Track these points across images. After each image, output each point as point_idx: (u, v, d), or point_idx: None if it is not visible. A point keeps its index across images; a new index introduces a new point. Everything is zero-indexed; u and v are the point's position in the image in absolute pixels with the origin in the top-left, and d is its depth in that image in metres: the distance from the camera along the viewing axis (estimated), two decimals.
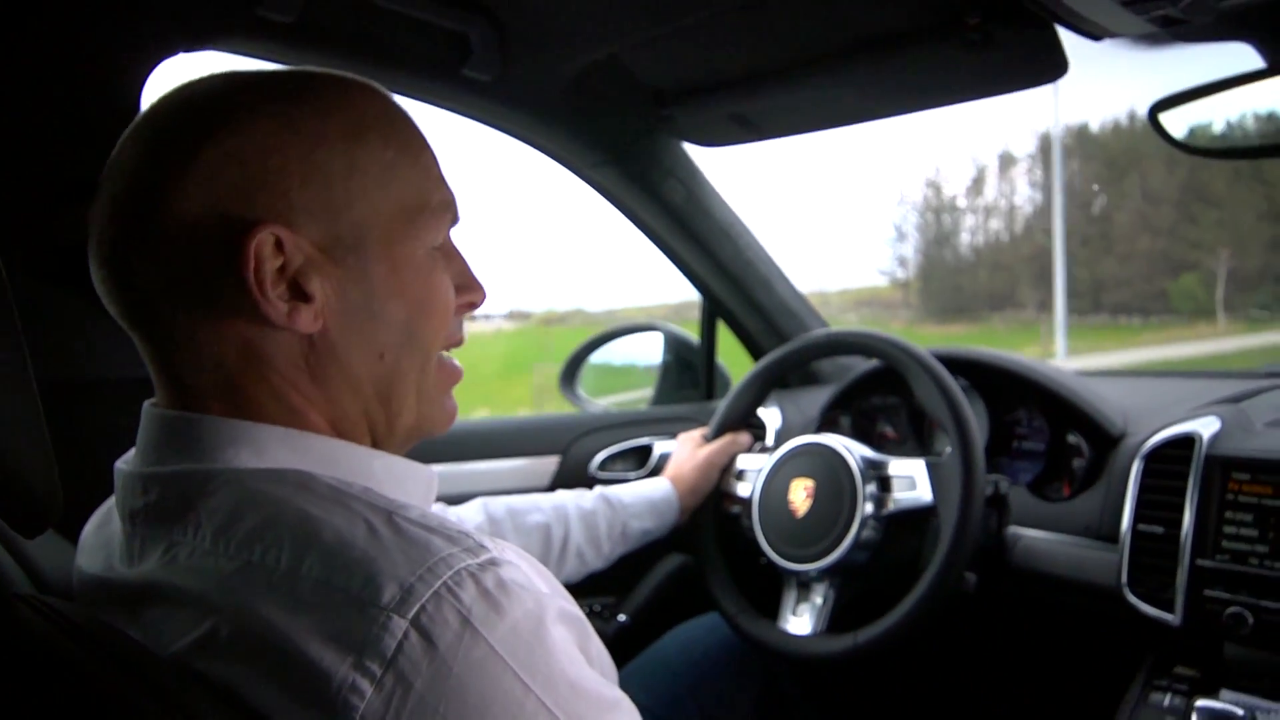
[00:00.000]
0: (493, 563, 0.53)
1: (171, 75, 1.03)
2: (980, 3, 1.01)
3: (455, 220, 0.69)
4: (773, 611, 1.30)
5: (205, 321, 0.60)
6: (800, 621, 1.27)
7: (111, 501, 0.72)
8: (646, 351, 2.04)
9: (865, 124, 1.36)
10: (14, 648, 0.48)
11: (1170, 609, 1.06)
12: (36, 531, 0.61)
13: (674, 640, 1.43)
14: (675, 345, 1.97)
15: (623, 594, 1.56)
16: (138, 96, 1.01)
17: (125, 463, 0.65)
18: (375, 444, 0.67)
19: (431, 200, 0.66)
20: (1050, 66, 1.09)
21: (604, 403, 2.03)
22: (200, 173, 0.58)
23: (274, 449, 0.61)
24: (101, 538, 0.69)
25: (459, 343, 0.72)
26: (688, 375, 1.96)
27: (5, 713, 0.46)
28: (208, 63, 1.08)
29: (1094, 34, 0.96)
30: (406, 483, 0.67)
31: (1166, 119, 1.12)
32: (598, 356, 2.03)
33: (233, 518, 0.56)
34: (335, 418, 0.64)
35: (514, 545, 0.60)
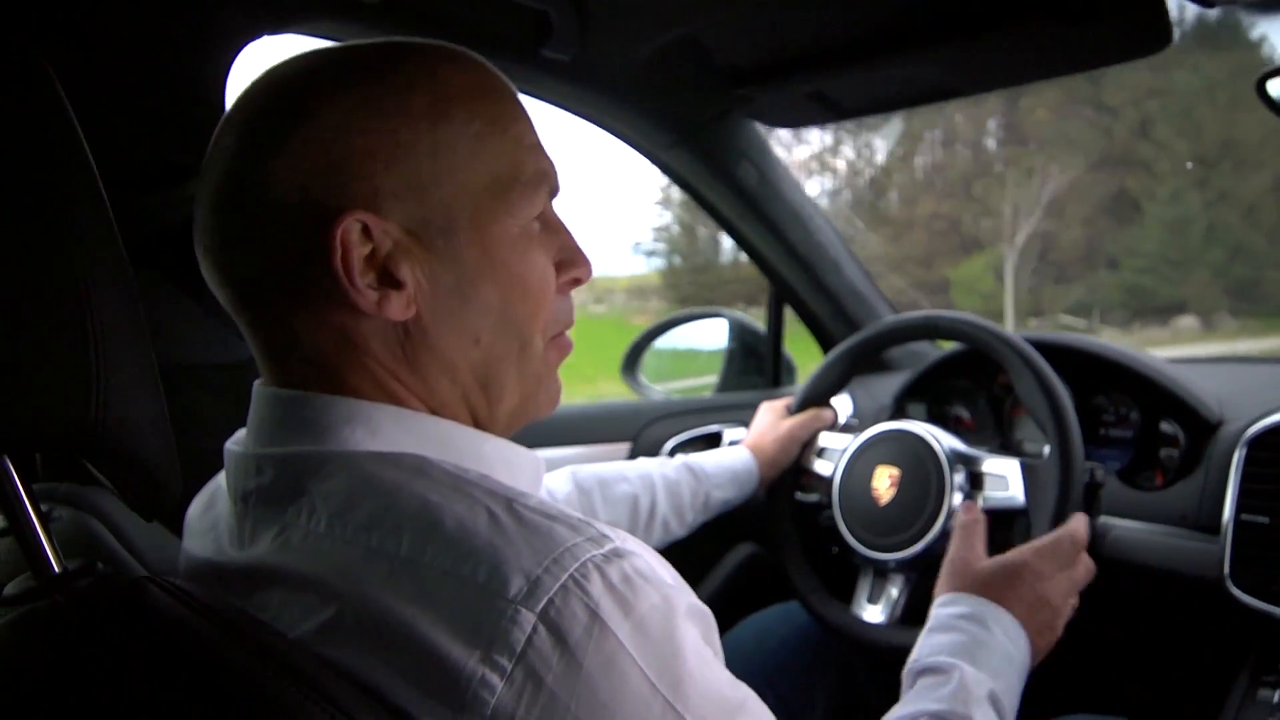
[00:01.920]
0: (617, 553, 0.52)
1: (258, 58, 1.03)
2: None
3: (554, 191, 0.66)
4: (843, 598, 1.28)
5: (300, 310, 0.59)
6: (874, 611, 1.25)
7: (215, 484, 0.72)
8: (709, 338, 2.03)
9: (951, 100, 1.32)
10: (150, 629, 0.48)
11: (1277, 601, 1.02)
12: (155, 514, 0.61)
13: (749, 629, 1.42)
14: (740, 332, 1.95)
15: (692, 584, 1.55)
16: (224, 80, 1.01)
17: (236, 443, 0.65)
18: (478, 428, 0.66)
19: (524, 173, 0.63)
20: (1154, 37, 1.05)
21: (664, 389, 2.02)
22: (287, 159, 0.57)
23: (388, 428, 0.60)
24: (208, 520, 0.68)
25: (569, 324, 0.70)
26: (753, 362, 1.94)
27: (148, 695, 0.45)
28: (291, 45, 1.08)
29: (1208, 1, 0.92)
30: (516, 465, 0.66)
31: (1274, 87, 1.08)
32: (662, 342, 2.02)
33: (349, 502, 0.55)
34: (435, 404, 0.63)
35: (633, 537, 0.58)
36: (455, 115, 0.60)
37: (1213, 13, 0.98)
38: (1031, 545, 1.00)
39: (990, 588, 0.94)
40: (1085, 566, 1.01)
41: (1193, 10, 0.97)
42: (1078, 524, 1.04)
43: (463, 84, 0.62)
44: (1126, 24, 1.04)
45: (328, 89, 0.58)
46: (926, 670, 0.86)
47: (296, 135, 0.57)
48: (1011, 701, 0.86)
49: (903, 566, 1.21)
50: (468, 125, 0.61)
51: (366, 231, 0.57)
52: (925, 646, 0.89)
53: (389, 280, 0.59)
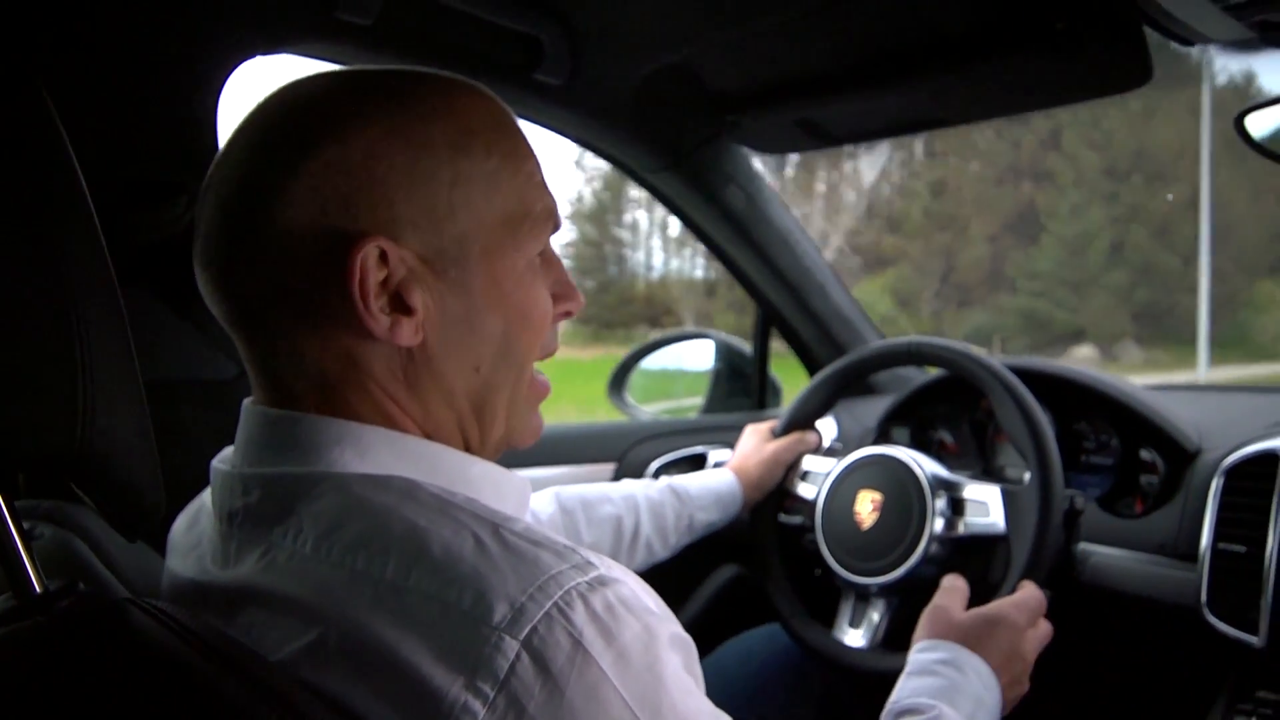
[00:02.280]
0: (601, 581, 0.52)
1: (250, 77, 1.04)
2: (1069, 7, 0.99)
3: (556, 228, 0.68)
4: (825, 622, 1.28)
5: (307, 330, 0.59)
6: (856, 635, 1.25)
7: (199, 502, 0.72)
8: (695, 359, 2.04)
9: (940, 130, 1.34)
10: (130, 652, 0.48)
11: (1254, 630, 1.03)
12: (137, 534, 0.61)
13: (732, 651, 1.42)
14: (727, 353, 1.96)
15: (675, 606, 1.54)
16: (216, 99, 1.01)
17: (223, 462, 0.65)
18: (468, 453, 0.66)
19: (534, 209, 0.64)
20: (1134, 73, 1.07)
21: (651, 410, 2.02)
22: (307, 181, 0.57)
23: (377, 450, 0.60)
24: (192, 539, 0.68)
25: (553, 351, 0.71)
26: (739, 384, 1.95)
27: (126, 717, 0.45)
28: (285, 66, 1.09)
29: (1187, 39, 0.94)
30: (503, 488, 0.66)
31: (1253, 123, 1.10)
32: (647, 363, 2.03)
33: (336, 524, 0.55)
34: (429, 428, 0.63)
35: (619, 565, 0.59)
36: (475, 148, 0.61)
37: None
38: (1009, 600, 1.02)
39: (968, 637, 0.96)
40: (1047, 628, 1.03)
41: None
42: (1037, 590, 1.06)
43: (481, 117, 0.63)
44: (1108, 60, 1.06)
45: (352, 113, 0.59)
46: (906, 711, 0.86)
47: (320, 157, 0.57)
48: None
49: (884, 591, 1.22)
50: (486, 160, 0.62)
51: (383, 257, 0.58)
52: (905, 689, 0.91)
53: (400, 306, 0.59)
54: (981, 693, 0.90)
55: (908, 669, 0.94)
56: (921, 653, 0.96)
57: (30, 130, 0.53)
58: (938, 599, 1.04)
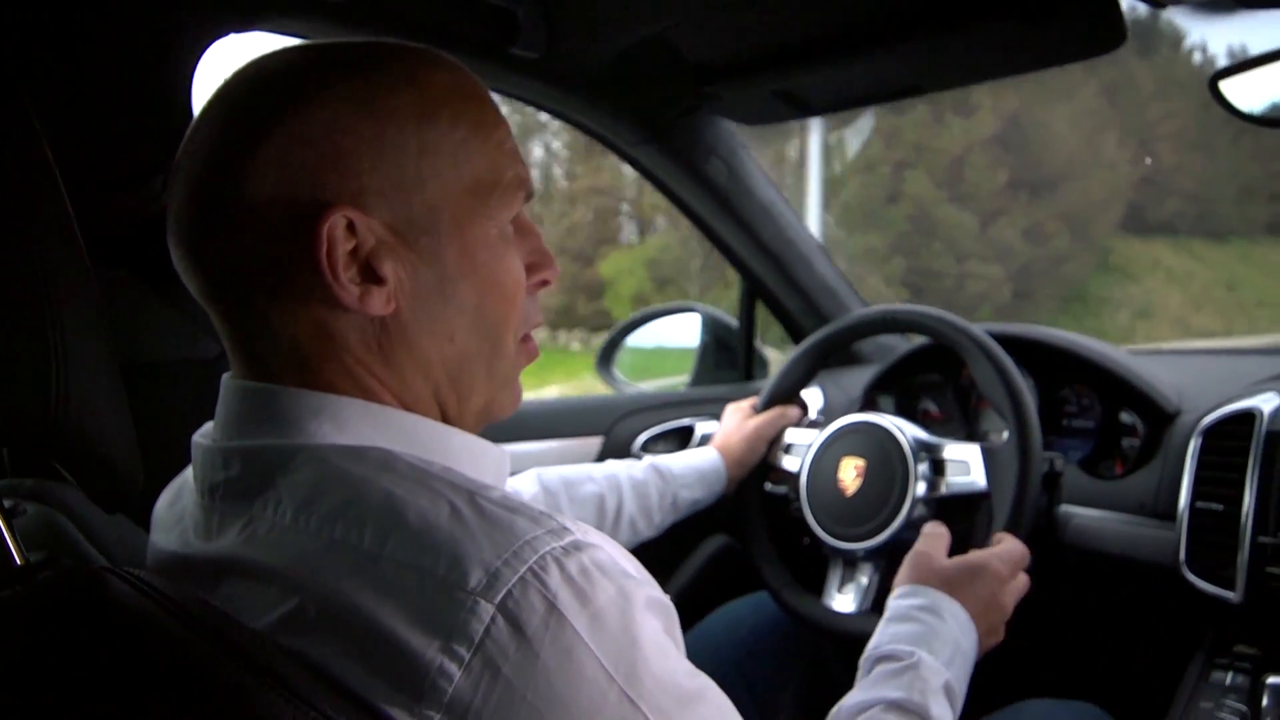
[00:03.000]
0: (577, 546, 0.53)
1: (224, 56, 1.03)
2: None
3: (528, 196, 0.68)
4: (815, 589, 1.30)
5: (279, 302, 0.60)
6: (845, 600, 1.27)
7: (182, 478, 0.72)
8: (682, 333, 2.04)
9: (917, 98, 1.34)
10: (109, 620, 0.48)
11: (1231, 587, 1.04)
12: (117, 507, 0.62)
13: (720, 619, 1.43)
14: (713, 326, 1.96)
15: (666, 575, 1.56)
16: (190, 78, 1.01)
17: (203, 436, 0.65)
18: (447, 424, 0.67)
19: (504, 177, 0.65)
20: (1109, 37, 1.07)
21: (641, 385, 2.03)
22: (271, 154, 0.57)
23: (355, 422, 0.61)
24: (174, 513, 0.69)
25: (538, 324, 0.72)
26: (725, 356, 1.96)
27: (105, 685, 0.46)
28: (257, 43, 1.08)
29: (1158, 1, 0.94)
30: (481, 460, 0.67)
31: (1227, 87, 1.10)
32: (634, 339, 2.03)
33: (314, 494, 0.56)
34: (407, 400, 0.64)
35: (596, 530, 0.59)
36: (441, 118, 0.61)
37: None
38: (993, 550, 1.04)
39: (949, 583, 0.97)
40: (1024, 581, 1.05)
41: None
42: (1019, 543, 1.08)
43: (447, 87, 0.63)
44: (1082, 24, 1.06)
45: (316, 85, 0.59)
46: (885, 658, 0.88)
47: (284, 129, 0.57)
48: (962, 691, 0.89)
49: (870, 555, 1.24)
50: (453, 129, 0.62)
51: (351, 227, 0.58)
52: (884, 634, 0.92)
53: (371, 276, 0.59)
54: (959, 638, 0.92)
55: (887, 614, 0.96)
56: (901, 598, 0.97)
57: (7, 113, 0.53)
58: (919, 545, 1.05)
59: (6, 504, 0.59)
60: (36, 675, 0.47)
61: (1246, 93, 1.10)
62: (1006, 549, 1.05)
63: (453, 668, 0.48)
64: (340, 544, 0.53)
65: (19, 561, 0.55)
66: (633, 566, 0.59)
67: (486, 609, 0.49)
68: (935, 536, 1.06)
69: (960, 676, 0.89)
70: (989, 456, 1.17)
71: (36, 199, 0.53)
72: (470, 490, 0.56)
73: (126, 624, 0.48)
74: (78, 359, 0.53)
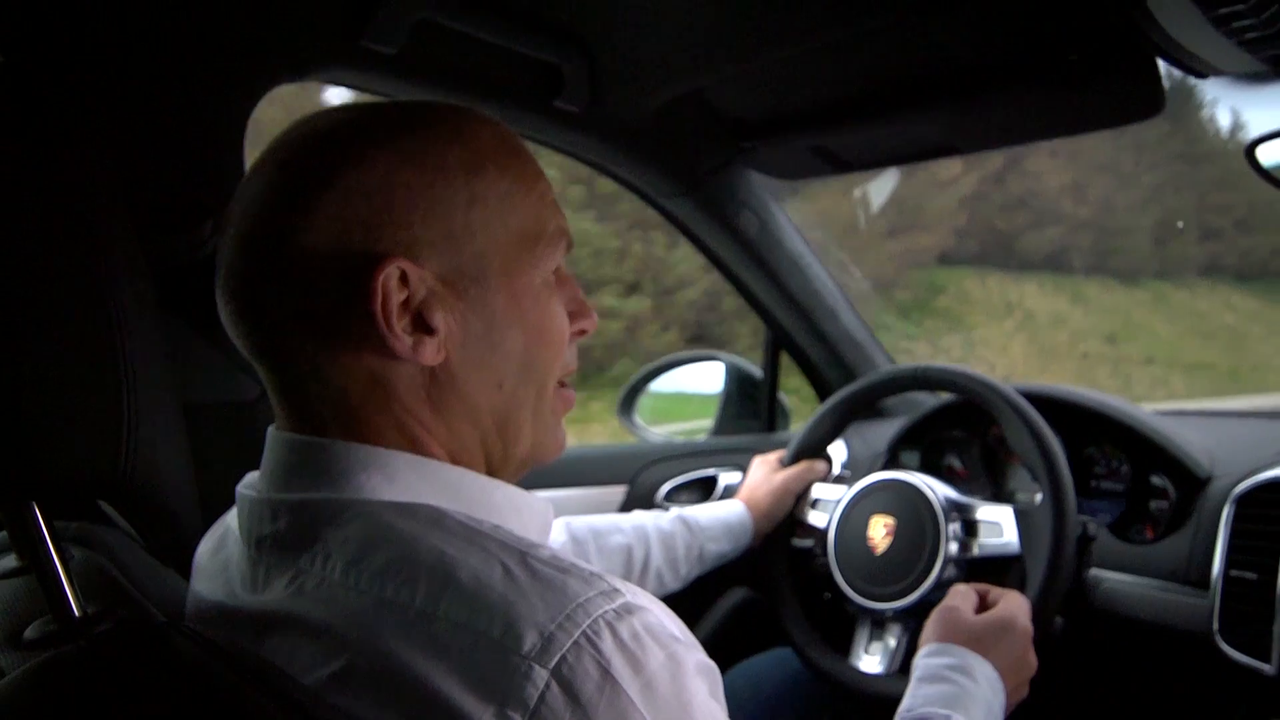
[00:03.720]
0: (629, 609, 0.53)
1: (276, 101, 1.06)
2: (1082, 38, 1.00)
3: (569, 247, 0.69)
4: (840, 647, 1.28)
5: (331, 352, 0.60)
6: (872, 660, 1.25)
7: (224, 524, 0.72)
8: (704, 381, 2.04)
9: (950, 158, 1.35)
10: (173, 677, 0.48)
11: (1266, 658, 1.03)
12: (175, 559, 0.62)
13: (743, 675, 1.42)
14: (736, 375, 1.97)
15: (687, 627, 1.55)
16: (243, 125, 1.03)
17: (248, 487, 0.65)
18: (491, 473, 0.67)
19: (547, 228, 0.66)
20: (1148, 103, 1.08)
21: (662, 431, 2.03)
22: (328, 208, 0.58)
23: (404, 475, 0.61)
24: (218, 563, 0.68)
25: (573, 369, 0.72)
26: (748, 406, 1.96)
27: None
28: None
29: (1200, 72, 0.96)
30: (525, 513, 0.67)
31: (1264, 154, 1.11)
32: (656, 385, 2.04)
33: (364, 551, 0.56)
34: (454, 448, 0.64)
35: (643, 591, 0.59)
36: (487, 171, 0.63)
37: None
38: (1019, 605, 1.03)
39: (979, 642, 0.97)
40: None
41: None
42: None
43: (490, 142, 0.64)
44: (1120, 90, 1.07)
45: (369, 141, 0.60)
46: None
47: (340, 184, 0.59)
48: None
49: (900, 615, 1.22)
50: (499, 182, 0.63)
51: (404, 278, 0.59)
52: (917, 697, 0.91)
53: (422, 325, 0.60)
54: (990, 699, 0.91)
55: (917, 674, 0.95)
56: (930, 657, 0.96)
57: (76, 156, 0.54)
58: (947, 600, 1.04)
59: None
60: None
61: None
62: (1024, 604, 1.04)
63: None
64: (392, 603, 0.53)
65: (77, 613, 0.54)
66: (679, 629, 0.59)
67: (541, 674, 0.49)
68: (963, 594, 1.06)
69: None
70: (1022, 519, 1.16)
71: (110, 242, 0.54)
72: (521, 550, 0.56)
73: (192, 682, 0.48)
74: (148, 406, 0.53)
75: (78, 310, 0.52)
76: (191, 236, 0.98)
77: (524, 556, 0.55)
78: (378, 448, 0.61)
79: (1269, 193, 1.10)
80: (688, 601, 1.28)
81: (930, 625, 1.02)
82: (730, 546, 1.30)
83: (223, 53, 1.00)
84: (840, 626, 1.30)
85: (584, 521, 1.20)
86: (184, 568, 0.76)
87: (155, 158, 0.98)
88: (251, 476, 0.67)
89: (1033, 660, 1.00)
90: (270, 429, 0.65)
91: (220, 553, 0.69)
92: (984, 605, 1.05)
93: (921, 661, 0.97)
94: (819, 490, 1.40)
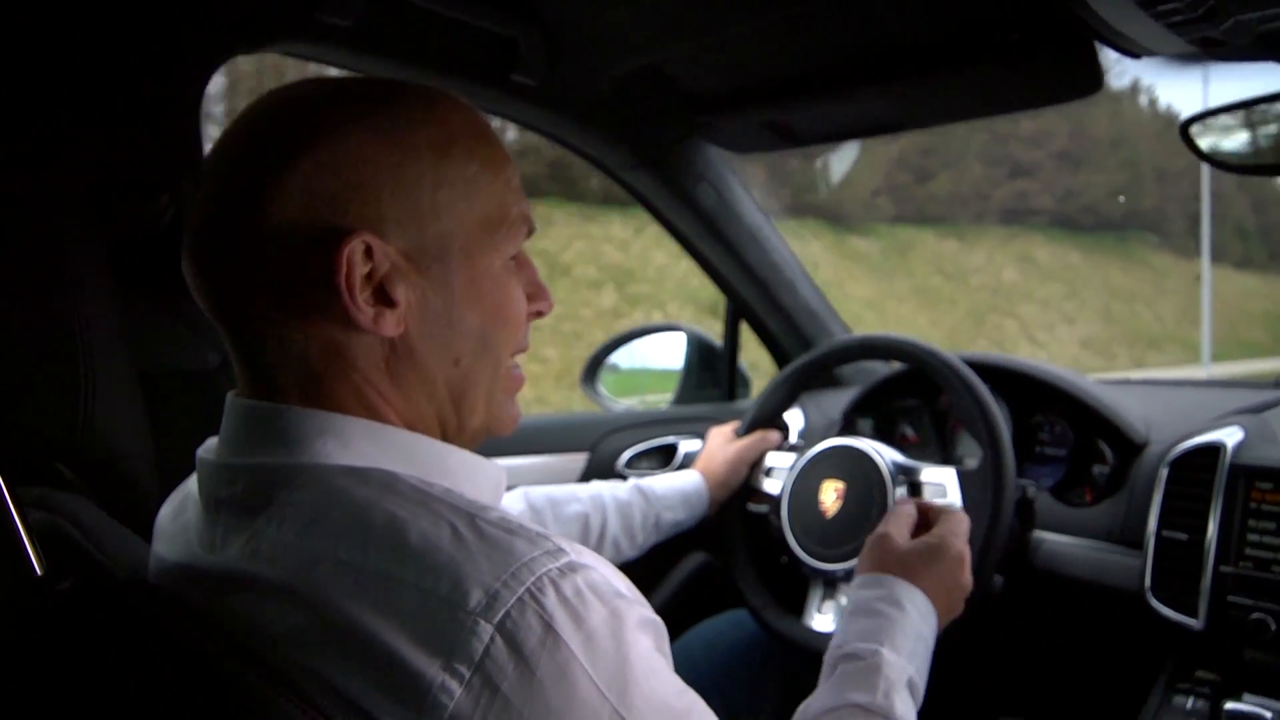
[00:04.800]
0: (572, 567, 0.56)
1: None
2: (1022, 20, 1.03)
3: (530, 231, 0.71)
4: (795, 609, 1.33)
5: (294, 321, 0.62)
6: (825, 619, 1.30)
7: (185, 489, 0.74)
8: (666, 352, 2.07)
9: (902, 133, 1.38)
10: (135, 632, 0.50)
11: (1193, 614, 1.08)
12: (134, 523, 0.64)
13: (698, 636, 1.46)
14: (697, 346, 1.99)
15: (645, 592, 1.58)
16: (200, 96, 1.03)
17: (208, 451, 0.67)
18: (446, 442, 0.69)
19: (510, 213, 0.68)
20: (1086, 82, 1.12)
21: (626, 402, 2.06)
22: (297, 181, 0.60)
23: (358, 441, 0.63)
24: (179, 525, 0.70)
25: (525, 349, 0.75)
26: (709, 375, 1.99)
27: (135, 695, 0.48)
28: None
29: (1133, 52, 0.99)
30: (478, 477, 0.69)
31: (1197, 133, 1.15)
32: (617, 356, 2.06)
33: (319, 514, 0.58)
34: (410, 418, 0.66)
35: (590, 551, 0.61)
36: (455, 154, 0.65)
37: None
38: (950, 528, 1.04)
39: (909, 568, 0.98)
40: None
41: None
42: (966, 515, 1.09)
43: (462, 126, 0.66)
44: (1061, 69, 1.11)
45: (340, 117, 0.62)
46: (849, 656, 0.89)
47: (309, 157, 0.60)
48: (923, 681, 0.91)
49: (850, 575, 1.26)
50: (467, 166, 0.65)
51: (368, 252, 0.61)
52: (848, 632, 0.93)
53: (384, 299, 0.62)
54: (920, 626, 0.93)
55: (849, 608, 0.97)
56: (861, 589, 0.98)
57: (31, 128, 0.55)
58: (883, 525, 1.05)
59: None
60: (65, 688, 0.48)
61: (1215, 138, 1.15)
62: (961, 523, 1.06)
63: (454, 685, 0.51)
64: (345, 563, 0.55)
65: (39, 572, 0.56)
66: (624, 586, 0.61)
67: (486, 629, 0.52)
68: (900, 516, 1.07)
69: (922, 667, 0.91)
70: (965, 480, 1.21)
71: (65, 211, 0.55)
72: (470, 512, 0.58)
73: (154, 636, 0.50)
74: (104, 371, 0.55)
75: (33, 279, 0.53)
76: (149, 208, 0.98)
77: (473, 518, 0.57)
78: (334, 414, 0.63)
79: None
80: (646, 565, 1.32)
81: (864, 553, 1.03)
82: (686, 515, 1.34)
83: (178, 25, 1.00)
84: (795, 588, 1.34)
85: (542, 491, 1.22)
86: (144, 532, 0.77)
87: (111, 130, 0.98)
88: (212, 441, 0.68)
89: (966, 581, 1.01)
90: (230, 395, 0.67)
91: (181, 516, 0.71)
92: (925, 523, 1.07)
93: (853, 594, 0.98)
94: (773, 459, 1.43)
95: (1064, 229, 15.66)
